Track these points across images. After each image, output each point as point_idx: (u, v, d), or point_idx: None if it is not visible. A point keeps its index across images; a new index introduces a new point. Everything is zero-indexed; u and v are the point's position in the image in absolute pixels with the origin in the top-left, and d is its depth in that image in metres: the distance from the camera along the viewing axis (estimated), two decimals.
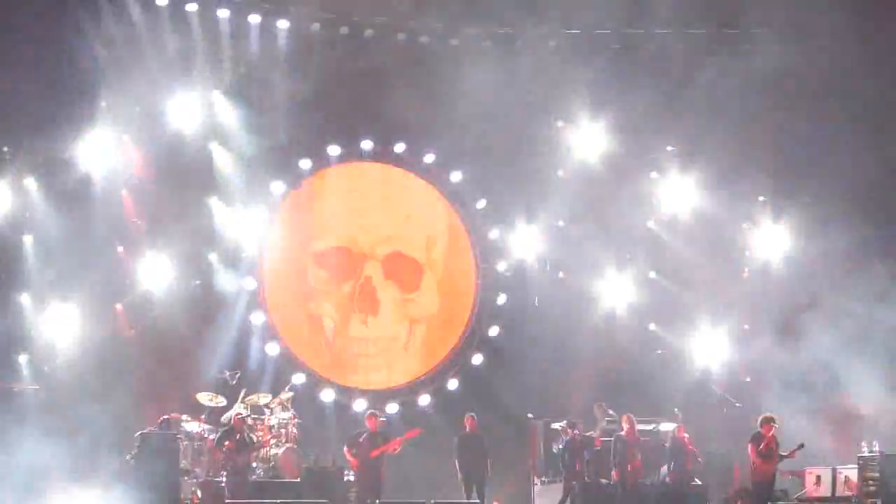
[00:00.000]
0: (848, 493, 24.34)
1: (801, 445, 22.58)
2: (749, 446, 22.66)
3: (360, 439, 23.37)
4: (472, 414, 24.62)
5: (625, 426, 23.53)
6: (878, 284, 25.41)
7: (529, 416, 26.39)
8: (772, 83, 26.41)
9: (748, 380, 27.77)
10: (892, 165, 25.98)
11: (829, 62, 25.29)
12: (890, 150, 25.86)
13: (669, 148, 28.04)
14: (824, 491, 24.75)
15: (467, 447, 23.98)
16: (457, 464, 23.95)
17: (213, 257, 26.62)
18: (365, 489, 23.22)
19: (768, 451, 22.52)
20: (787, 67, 25.76)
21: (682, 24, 26.92)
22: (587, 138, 28.11)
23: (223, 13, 26.18)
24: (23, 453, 22.27)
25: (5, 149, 24.75)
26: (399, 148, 28.28)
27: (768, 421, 22.68)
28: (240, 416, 23.60)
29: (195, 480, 23.42)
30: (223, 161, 26.63)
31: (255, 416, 24.58)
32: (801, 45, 25.54)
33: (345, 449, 23.59)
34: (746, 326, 28.11)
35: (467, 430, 24.14)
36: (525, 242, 28.73)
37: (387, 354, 28.32)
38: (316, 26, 26.90)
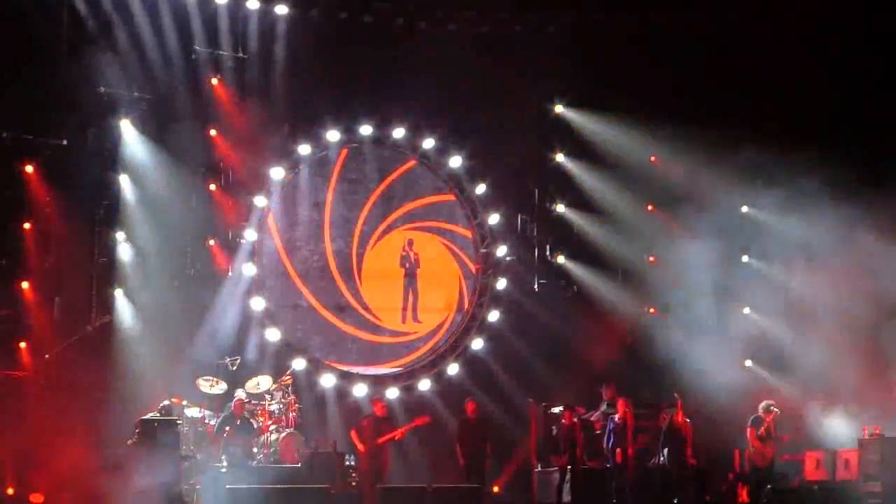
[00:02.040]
0: (848, 475, 24.40)
1: (798, 430, 22.72)
2: (748, 430, 22.80)
3: (367, 424, 23.49)
4: (473, 398, 24.72)
5: (621, 410, 23.52)
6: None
7: (529, 400, 26.43)
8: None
9: (749, 364, 27.82)
10: None
11: None
12: None
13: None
14: (824, 474, 24.82)
15: (468, 432, 24.04)
16: (458, 448, 24.00)
17: (211, 243, 26.62)
18: (369, 474, 23.29)
19: (767, 434, 22.63)
20: None
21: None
22: (587, 123, 28.15)
23: None
24: (24, 440, 22.40)
25: (5, 135, 24.69)
26: (398, 133, 28.24)
27: (769, 407, 22.79)
28: (240, 402, 23.68)
29: (196, 466, 23.44)
30: (222, 146, 26.60)
31: (256, 402, 24.65)
32: None
33: (352, 433, 23.71)
34: (746, 310, 28.12)
35: (468, 414, 24.21)
36: (525, 227, 28.80)
37: (387, 340, 28.31)
38: (314, 12, 26.91)
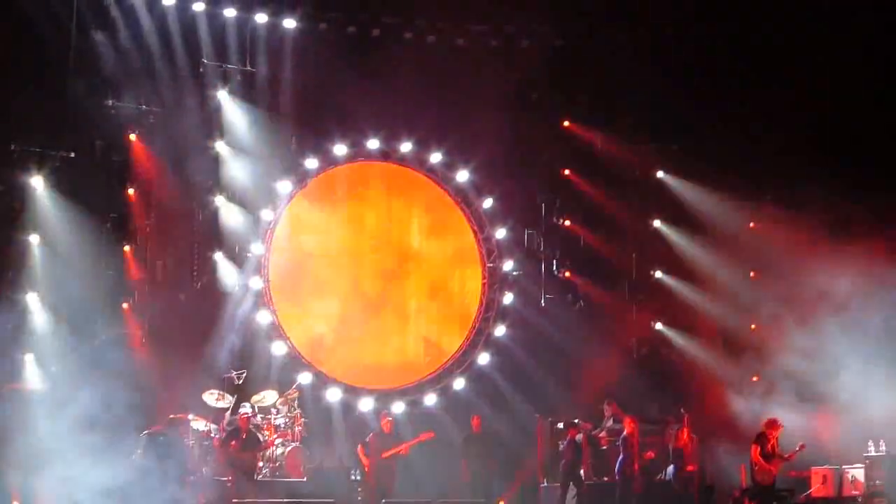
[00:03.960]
0: (855, 492, 24.35)
1: (802, 446, 22.70)
2: (752, 447, 22.74)
3: (373, 440, 23.50)
4: (479, 414, 24.70)
5: (629, 427, 23.48)
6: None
7: (537, 415, 26.39)
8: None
9: (755, 380, 27.77)
10: None
11: None
12: None
13: None
14: (831, 491, 24.75)
15: (474, 447, 24.03)
16: (463, 463, 23.98)
17: (218, 256, 26.64)
18: (374, 489, 23.29)
19: (772, 451, 22.59)
20: None
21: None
22: (594, 137, 28.17)
23: (230, 12, 26.24)
24: (29, 454, 22.38)
25: (13, 147, 24.73)
26: (405, 147, 28.25)
27: (773, 423, 22.75)
28: (245, 416, 23.67)
29: (201, 480, 23.43)
30: (229, 160, 26.64)
31: (262, 416, 24.65)
32: None
33: (358, 448, 23.73)
34: (753, 326, 28.08)
35: (473, 429, 24.20)
36: (531, 242, 28.80)
37: (393, 354, 28.31)
38: (323, 26, 26.97)
